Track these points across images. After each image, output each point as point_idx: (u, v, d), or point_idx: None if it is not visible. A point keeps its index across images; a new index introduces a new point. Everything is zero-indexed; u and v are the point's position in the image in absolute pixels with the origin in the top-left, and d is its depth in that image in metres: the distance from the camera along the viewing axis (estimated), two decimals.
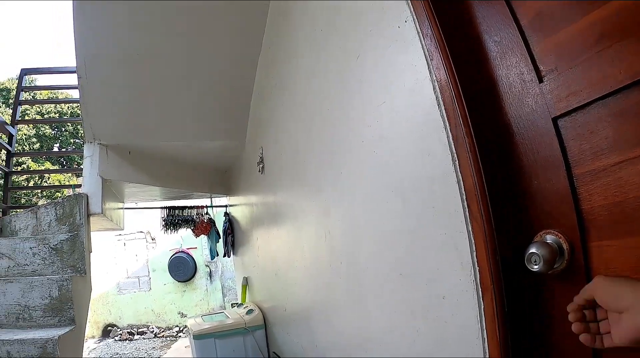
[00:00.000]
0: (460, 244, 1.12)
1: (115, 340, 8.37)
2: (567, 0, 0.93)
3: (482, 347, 1.07)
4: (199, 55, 3.21)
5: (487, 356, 1.05)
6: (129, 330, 8.64)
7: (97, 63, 3.08)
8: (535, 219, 1.04)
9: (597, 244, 0.91)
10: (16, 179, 12.90)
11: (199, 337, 3.89)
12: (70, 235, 3.01)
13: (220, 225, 5.68)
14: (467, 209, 1.09)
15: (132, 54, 3.10)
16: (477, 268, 1.07)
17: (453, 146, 1.12)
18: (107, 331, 8.81)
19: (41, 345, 2.24)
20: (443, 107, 1.15)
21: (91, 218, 3.38)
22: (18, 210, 4.22)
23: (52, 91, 15.09)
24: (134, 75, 3.25)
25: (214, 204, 5.90)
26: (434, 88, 1.17)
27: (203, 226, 5.58)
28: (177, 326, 8.76)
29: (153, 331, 8.61)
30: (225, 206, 5.72)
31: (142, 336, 8.46)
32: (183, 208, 5.56)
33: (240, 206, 4.89)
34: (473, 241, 1.08)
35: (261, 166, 3.36)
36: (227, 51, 3.24)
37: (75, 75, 3.12)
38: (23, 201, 13.50)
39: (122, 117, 3.52)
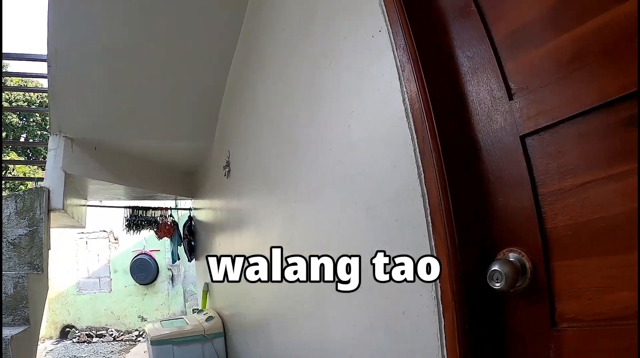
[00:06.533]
0: None
1: (73, 342, 8.10)
2: (541, 20, 0.93)
3: None
4: (173, 53, 3.17)
5: None
6: (87, 332, 8.37)
7: (69, 53, 3.00)
8: (499, 236, 1.03)
9: (561, 264, 0.90)
10: None
11: (156, 342, 3.79)
12: (30, 230, 2.91)
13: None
14: (430, 224, 1.08)
15: (106, 48, 3.04)
16: (439, 285, 1.05)
17: (419, 160, 1.11)
18: (65, 332, 8.52)
19: None
20: (412, 120, 1.14)
21: (52, 214, 3.27)
22: None
23: (23, 78, 14.68)
24: (106, 69, 3.19)
25: (178, 207, 5.81)
26: (404, 100, 1.16)
27: (166, 228, 5.49)
28: (136, 330, 8.53)
29: (112, 334, 8.38)
30: (190, 209, 5.63)
31: (101, 339, 8.22)
32: (147, 208, 5.46)
33: (204, 210, 4.83)
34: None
35: (227, 170, 3.32)
36: (202, 51, 3.20)
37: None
38: None
39: (91, 111, 3.43)
